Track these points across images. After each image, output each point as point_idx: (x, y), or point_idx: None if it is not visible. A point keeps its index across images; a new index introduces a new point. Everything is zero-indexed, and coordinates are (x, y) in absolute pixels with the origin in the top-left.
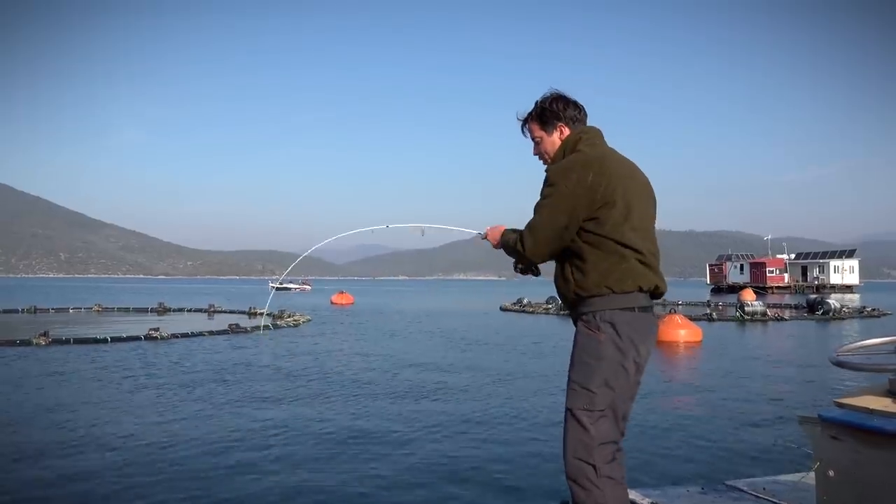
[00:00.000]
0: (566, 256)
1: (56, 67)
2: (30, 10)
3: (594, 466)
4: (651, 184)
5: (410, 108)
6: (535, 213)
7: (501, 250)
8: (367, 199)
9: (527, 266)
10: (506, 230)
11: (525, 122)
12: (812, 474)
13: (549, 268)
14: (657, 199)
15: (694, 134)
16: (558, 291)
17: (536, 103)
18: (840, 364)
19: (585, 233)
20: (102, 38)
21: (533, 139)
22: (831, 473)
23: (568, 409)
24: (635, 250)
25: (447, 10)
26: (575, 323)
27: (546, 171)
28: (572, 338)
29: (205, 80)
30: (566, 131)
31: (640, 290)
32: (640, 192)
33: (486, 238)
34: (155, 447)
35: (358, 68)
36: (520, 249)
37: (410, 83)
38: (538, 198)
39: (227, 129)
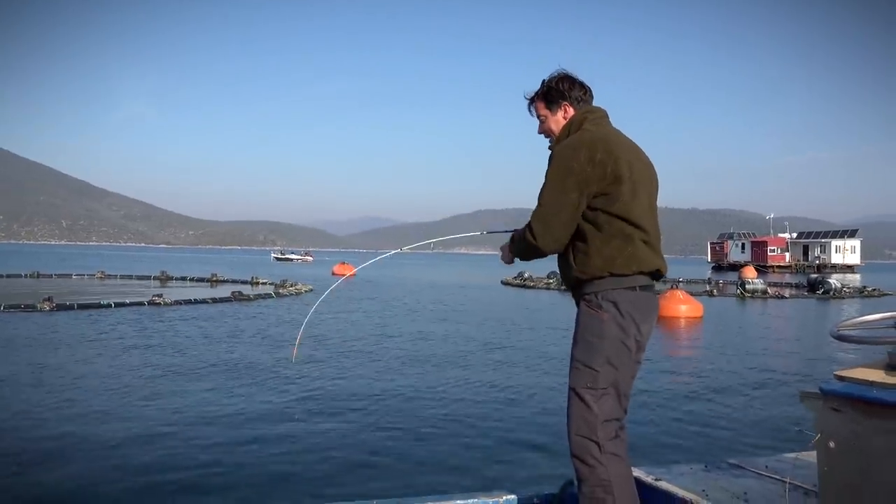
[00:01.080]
0: (570, 239)
1: (66, 40)
2: None
3: (598, 444)
4: (654, 166)
5: (403, 89)
6: (541, 197)
7: (515, 259)
8: (363, 175)
9: (532, 255)
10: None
11: (531, 100)
12: (813, 451)
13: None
14: (658, 179)
15: (689, 120)
16: (560, 274)
17: (543, 82)
18: (841, 338)
19: (592, 211)
20: (117, 15)
21: (538, 117)
22: (832, 445)
23: (571, 388)
24: (642, 229)
25: None
26: (577, 303)
27: (552, 150)
28: (573, 314)
29: (210, 59)
30: (570, 111)
31: (642, 273)
32: (644, 173)
33: (504, 259)
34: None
35: (353, 52)
36: (529, 239)
37: (403, 66)
38: (542, 182)
39: (229, 107)
